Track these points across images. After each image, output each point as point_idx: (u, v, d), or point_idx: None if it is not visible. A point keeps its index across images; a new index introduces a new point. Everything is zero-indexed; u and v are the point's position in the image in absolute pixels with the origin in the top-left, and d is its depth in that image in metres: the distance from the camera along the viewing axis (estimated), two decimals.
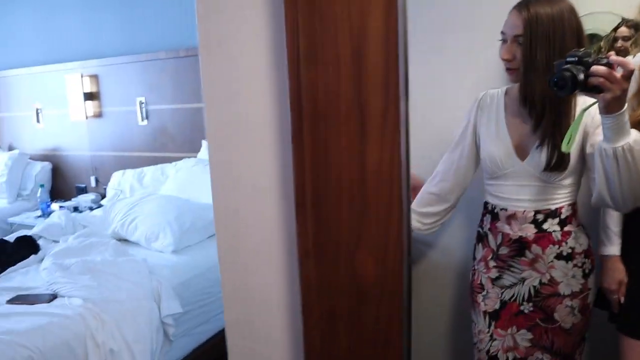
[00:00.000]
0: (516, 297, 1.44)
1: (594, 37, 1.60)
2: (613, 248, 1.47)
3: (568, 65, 1.18)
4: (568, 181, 1.39)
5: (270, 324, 0.69)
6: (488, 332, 1.47)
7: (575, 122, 1.28)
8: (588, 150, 1.34)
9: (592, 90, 1.17)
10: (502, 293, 1.45)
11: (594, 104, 1.21)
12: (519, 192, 1.41)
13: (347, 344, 0.58)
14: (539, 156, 1.36)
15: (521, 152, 1.40)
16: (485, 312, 1.48)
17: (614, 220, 1.47)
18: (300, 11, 0.55)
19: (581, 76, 1.16)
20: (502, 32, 1.37)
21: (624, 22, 1.63)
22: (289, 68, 0.57)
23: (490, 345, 1.47)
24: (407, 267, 0.54)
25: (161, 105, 3.65)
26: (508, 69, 1.38)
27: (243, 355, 0.73)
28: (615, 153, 1.18)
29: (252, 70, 0.66)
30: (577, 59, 1.17)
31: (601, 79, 1.14)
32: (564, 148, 1.28)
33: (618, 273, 1.46)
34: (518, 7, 1.33)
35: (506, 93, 1.48)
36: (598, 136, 1.28)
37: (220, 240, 0.72)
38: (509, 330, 1.44)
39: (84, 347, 1.96)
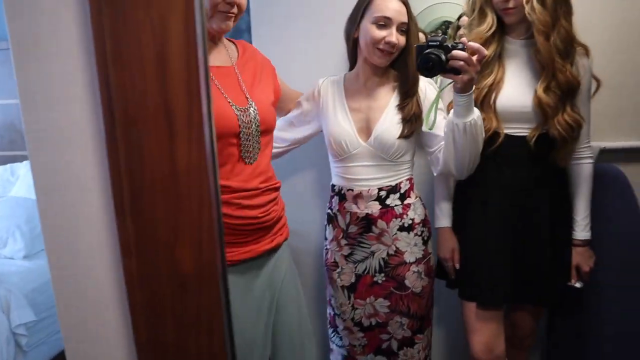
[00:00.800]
0: (369, 270, 1.56)
1: (448, 23, 1.78)
2: (445, 220, 1.63)
3: (431, 49, 1.29)
4: (406, 158, 1.54)
5: (103, 323, 0.69)
6: (349, 303, 1.59)
7: (433, 102, 1.44)
8: (424, 129, 1.49)
9: (451, 71, 1.30)
10: (355, 267, 1.57)
11: (449, 84, 1.36)
12: (363, 172, 1.53)
13: (175, 336, 0.61)
14: (383, 134, 1.49)
15: (363, 133, 1.52)
16: (343, 287, 1.60)
17: (444, 196, 1.63)
18: (104, 13, 0.56)
19: (443, 58, 1.28)
20: (387, 18, 1.44)
21: (464, 13, 1.83)
22: (98, 71, 0.58)
23: (354, 314, 1.59)
24: (221, 257, 0.58)
25: (5, 100, 3.28)
26: (389, 53, 1.47)
27: (80, 357, 0.72)
28: (465, 127, 1.34)
29: (68, 71, 0.65)
30: (438, 43, 1.29)
31: (461, 62, 1.28)
32: (425, 127, 1.45)
33: (450, 242, 1.62)
34: None
35: (345, 79, 1.59)
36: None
37: (47, 242, 0.70)
38: (368, 300, 1.57)
39: None
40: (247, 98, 1.34)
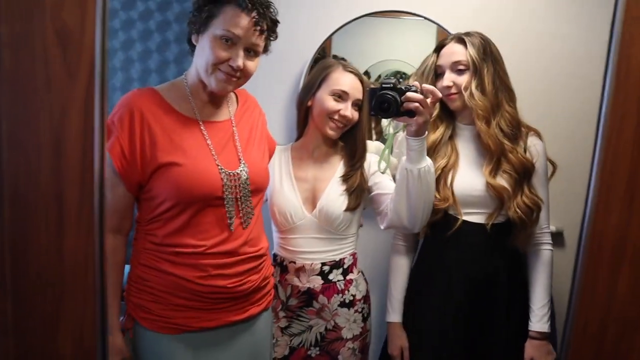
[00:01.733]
0: (304, 343, 1.53)
1: (402, 73, 1.87)
2: (395, 315, 1.57)
3: (385, 91, 1.28)
4: (351, 231, 1.55)
5: None
6: None
7: (387, 145, 1.45)
8: (374, 191, 1.51)
9: (405, 114, 1.29)
10: (291, 340, 1.54)
11: (403, 127, 1.36)
12: (307, 244, 1.52)
13: None
14: (328, 206, 1.49)
15: (309, 204, 1.53)
16: (275, 359, 1.55)
17: (398, 288, 1.59)
18: (4, 95, 0.57)
19: (399, 99, 1.28)
20: (344, 92, 1.48)
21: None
22: None
23: None
24: (102, 344, 0.57)
25: None
26: (342, 126, 1.50)
27: None
28: (420, 173, 1.32)
29: None
30: (391, 85, 1.29)
31: (416, 104, 1.27)
32: (381, 169, 1.45)
33: (398, 339, 1.56)
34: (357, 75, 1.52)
35: (292, 149, 1.61)
36: (377, 178, 1.50)
37: None
38: None
39: None
40: (239, 159, 1.30)
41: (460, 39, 1.48)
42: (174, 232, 1.23)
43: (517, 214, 1.42)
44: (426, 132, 1.32)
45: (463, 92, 1.44)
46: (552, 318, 1.54)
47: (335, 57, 1.91)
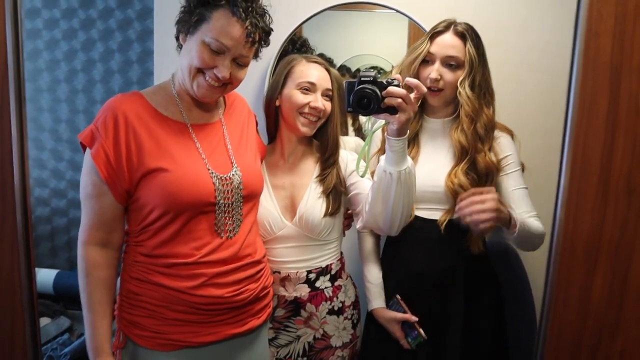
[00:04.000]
0: (292, 354, 1.49)
1: (380, 69, 1.83)
2: (376, 301, 1.54)
3: (364, 85, 1.16)
4: (334, 235, 1.50)
5: None
6: None
7: (364, 146, 1.34)
8: (352, 191, 1.45)
9: (386, 111, 1.17)
10: (278, 352, 1.50)
11: (383, 125, 1.27)
12: (290, 253, 1.47)
13: None
14: (308, 213, 1.43)
15: (288, 212, 1.47)
16: None
17: (373, 275, 1.56)
18: None
19: (380, 94, 1.15)
20: (311, 83, 1.41)
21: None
22: None
23: None
24: None
25: None
26: (314, 120, 1.44)
27: None
28: (400, 175, 1.24)
29: None
30: (371, 79, 1.17)
31: (399, 100, 1.15)
32: (360, 173, 1.35)
33: (392, 319, 1.50)
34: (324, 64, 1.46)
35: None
36: (354, 178, 1.44)
37: None
38: None
39: None
40: (232, 162, 1.25)
41: (461, 34, 1.42)
42: (165, 242, 1.18)
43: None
44: (408, 131, 1.23)
45: (459, 87, 1.39)
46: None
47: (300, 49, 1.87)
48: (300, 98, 1.41)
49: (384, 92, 1.16)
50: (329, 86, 1.44)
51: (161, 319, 1.19)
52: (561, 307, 0.74)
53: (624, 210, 0.68)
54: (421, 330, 1.46)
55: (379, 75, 1.20)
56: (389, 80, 1.17)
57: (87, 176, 1.15)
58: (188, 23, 1.16)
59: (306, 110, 1.42)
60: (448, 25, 1.44)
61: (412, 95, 1.18)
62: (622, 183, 0.67)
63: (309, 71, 1.43)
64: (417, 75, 1.43)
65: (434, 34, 1.44)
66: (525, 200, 1.44)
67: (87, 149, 1.15)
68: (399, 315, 1.48)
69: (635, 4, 0.66)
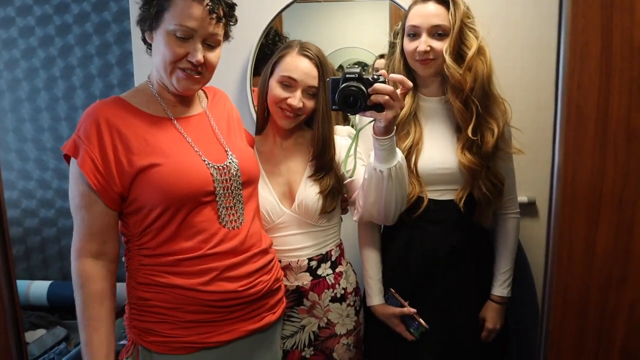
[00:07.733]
0: (298, 345, 1.47)
1: (364, 64, 1.79)
2: (376, 298, 1.52)
3: (349, 82, 1.14)
4: (334, 221, 1.48)
5: None
6: None
7: (351, 144, 1.32)
8: (347, 178, 1.42)
9: (372, 108, 1.16)
10: (284, 344, 1.48)
11: (370, 122, 1.24)
12: (291, 241, 1.45)
13: None
14: (307, 198, 1.41)
15: (286, 199, 1.45)
16: None
17: (374, 270, 1.53)
18: None
19: (366, 91, 1.13)
20: (292, 79, 1.37)
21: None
22: None
23: None
24: None
25: None
26: (293, 115, 1.40)
27: None
28: (390, 172, 1.22)
29: None
30: (356, 75, 1.14)
31: (386, 97, 1.14)
32: (347, 174, 1.34)
33: (391, 315, 1.50)
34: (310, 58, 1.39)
35: (257, 142, 1.51)
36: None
37: None
38: None
39: None
40: (226, 151, 1.23)
41: (443, 0, 1.36)
42: (169, 239, 1.14)
43: (481, 192, 1.39)
44: (395, 129, 1.21)
45: (444, 55, 1.33)
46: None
47: None
48: (279, 92, 1.38)
49: (370, 89, 1.14)
50: (313, 83, 1.39)
51: (174, 322, 1.15)
52: (565, 262, 0.72)
53: (625, 157, 0.66)
54: (421, 320, 1.45)
55: (364, 72, 1.17)
56: (375, 77, 1.15)
57: (74, 187, 1.12)
58: (149, 18, 1.14)
59: (283, 105, 1.39)
60: None
61: (398, 91, 1.17)
62: (621, 128, 0.65)
63: (295, 64, 1.38)
64: (406, 52, 1.40)
65: (416, 6, 1.40)
66: (512, 190, 1.50)
67: (73, 160, 1.12)
68: (398, 310, 1.48)
69: None
